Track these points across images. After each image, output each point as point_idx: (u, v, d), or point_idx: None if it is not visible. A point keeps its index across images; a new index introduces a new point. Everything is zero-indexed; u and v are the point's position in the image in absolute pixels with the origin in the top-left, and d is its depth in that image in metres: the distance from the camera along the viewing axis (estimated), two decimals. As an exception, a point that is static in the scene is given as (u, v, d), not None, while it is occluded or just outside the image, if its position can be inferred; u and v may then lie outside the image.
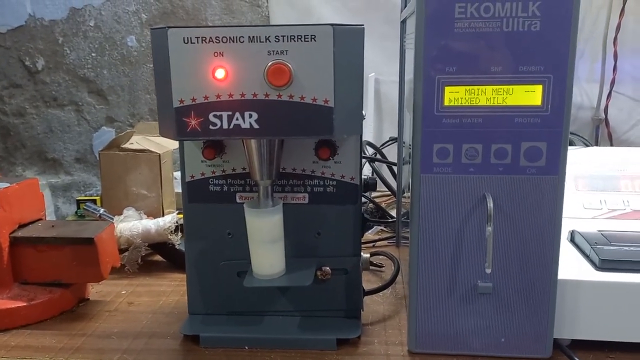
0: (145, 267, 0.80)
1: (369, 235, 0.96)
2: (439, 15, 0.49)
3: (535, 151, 0.51)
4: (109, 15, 1.22)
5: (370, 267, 0.80)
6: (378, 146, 1.09)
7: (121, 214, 0.87)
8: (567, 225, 0.67)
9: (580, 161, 0.76)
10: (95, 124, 1.28)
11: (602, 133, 1.13)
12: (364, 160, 1.00)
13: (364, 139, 1.12)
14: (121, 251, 0.80)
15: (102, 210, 0.91)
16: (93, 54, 1.24)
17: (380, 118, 1.21)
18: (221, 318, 0.61)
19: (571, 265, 0.58)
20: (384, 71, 1.15)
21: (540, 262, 0.53)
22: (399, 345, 0.59)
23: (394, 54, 0.78)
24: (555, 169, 0.51)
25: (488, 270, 0.52)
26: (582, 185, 0.72)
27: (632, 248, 0.58)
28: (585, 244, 0.60)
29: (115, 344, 0.60)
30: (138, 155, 0.95)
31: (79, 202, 1.07)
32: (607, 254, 0.57)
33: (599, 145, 1.13)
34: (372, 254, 0.81)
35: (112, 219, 0.85)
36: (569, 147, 0.82)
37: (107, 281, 0.76)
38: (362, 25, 0.50)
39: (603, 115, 1.12)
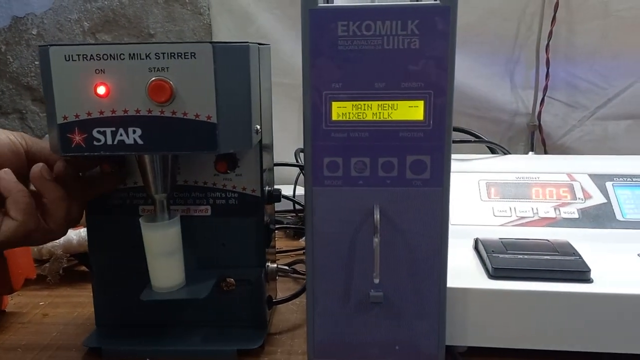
0: (69, 277, 0.80)
1: (302, 242, 0.97)
2: (322, 33, 0.50)
3: (419, 164, 0.52)
4: (52, 24, 1.22)
5: (293, 275, 0.81)
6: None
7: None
8: (475, 233, 0.69)
9: (496, 169, 0.78)
10: (39, 131, 1.27)
11: (537, 139, 1.15)
12: (297, 169, 1.01)
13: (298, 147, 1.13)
14: (44, 262, 0.80)
15: (30, 221, 0.90)
16: (36, 62, 1.24)
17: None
18: (127, 330, 0.62)
19: (468, 273, 0.60)
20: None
21: (428, 271, 0.54)
22: (301, 354, 0.60)
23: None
24: (440, 181, 0.53)
25: (376, 280, 0.53)
26: (495, 193, 0.74)
27: (525, 256, 0.60)
28: (484, 252, 0.62)
29: (19, 357, 0.60)
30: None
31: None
32: (499, 262, 0.59)
33: (535, 151, 1.15)
34: (294, 262, 0.83)
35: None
36: (488, 156, 0.85)
37: (27, 292, 0.76)
38: (247, 43, 0.51)
39: (537, 122, 1.14)
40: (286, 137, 0.98)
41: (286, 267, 0.82)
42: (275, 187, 0.64)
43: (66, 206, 0.53)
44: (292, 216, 1.04)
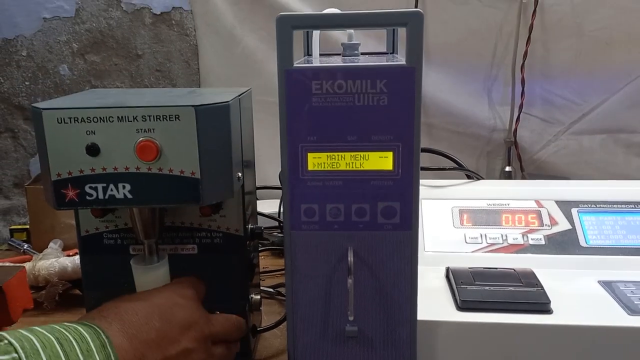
0: (65, 302, 0.84)
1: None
2: (298, 91, 0.54)
3: (390, 210, 0.56)
4: (41, 45, 1.24)
5: (278, 297, 0.85)
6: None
7: (47, 247, 0.91)
8: (447, 260, 0.73)
9: (469, 196, 0.82)
10: (31, 149, 1.30)
11: (514, 154, 1.20)
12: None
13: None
14: (41, 288, 0.84)
15: (25, 246, 0.94)
16: (27, 83, 1.27)
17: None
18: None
19: (438, 305, 0.64)
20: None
21: (399, 307, 0.58)
22: (284, 381, 0.65)
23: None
24: (409, 225, 0.57)
25: (350, 318, 0.57)
26: (467, 219, 0.78)
27: (492, 288, 0.64)
28: (453, 283, 0.66)
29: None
30: (63, 190, 0.98)
31: (11, 232, 1.10)
32: (467, 295, 0.63)
33: (512, 166, 1.19)
34: (279, 285, 0.87)
35: (35, 253, 0.89)
36: (461, 181, 0.89)
37: (24, 319, 0.79)
38: (228, 101, 0.54)
39: (513, 138, 1.18)
40: (273, 153, 1.01)
41: (271, 290, 0.86)
42: (258, 225, 0.68)
43: None
44: (278, 232, 1.08)
